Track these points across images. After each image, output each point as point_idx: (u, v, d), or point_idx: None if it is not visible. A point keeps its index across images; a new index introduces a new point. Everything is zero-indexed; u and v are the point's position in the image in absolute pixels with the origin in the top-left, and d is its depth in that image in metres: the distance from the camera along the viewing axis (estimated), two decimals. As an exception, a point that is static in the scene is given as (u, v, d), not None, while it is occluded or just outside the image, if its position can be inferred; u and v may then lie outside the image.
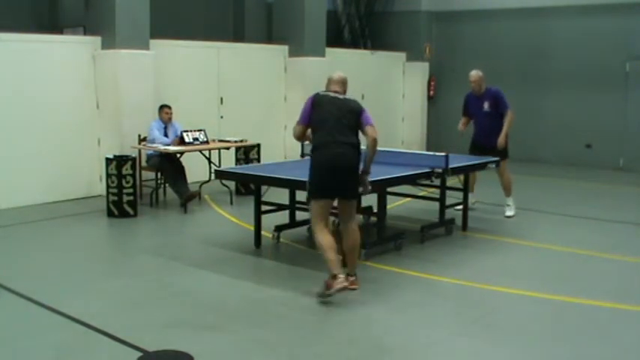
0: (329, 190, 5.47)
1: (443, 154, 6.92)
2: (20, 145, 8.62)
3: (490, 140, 8.25)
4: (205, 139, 8.93)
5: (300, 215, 7.35)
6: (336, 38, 13.78)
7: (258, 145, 9.74)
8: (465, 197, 7.73)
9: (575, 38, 12.98)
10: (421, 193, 8.55)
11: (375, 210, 6.89)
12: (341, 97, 5.64)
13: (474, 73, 8.47)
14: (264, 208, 6.89)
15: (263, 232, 6.93)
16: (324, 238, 5.37)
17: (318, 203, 5.45)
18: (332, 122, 5.46)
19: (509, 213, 8.40)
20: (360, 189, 5.58)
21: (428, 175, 6.82)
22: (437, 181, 7.18)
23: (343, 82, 5.80)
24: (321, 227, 5.44)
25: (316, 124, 5.53)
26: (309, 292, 5.54)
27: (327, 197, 5.47)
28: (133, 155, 8.50)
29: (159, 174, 8.88)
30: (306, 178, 6.18)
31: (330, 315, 5.12)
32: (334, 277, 5.25)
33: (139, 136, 9.06)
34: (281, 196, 7.09)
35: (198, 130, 8.93)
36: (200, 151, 8.95)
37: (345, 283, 5.27)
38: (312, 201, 5.50)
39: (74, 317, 4.89)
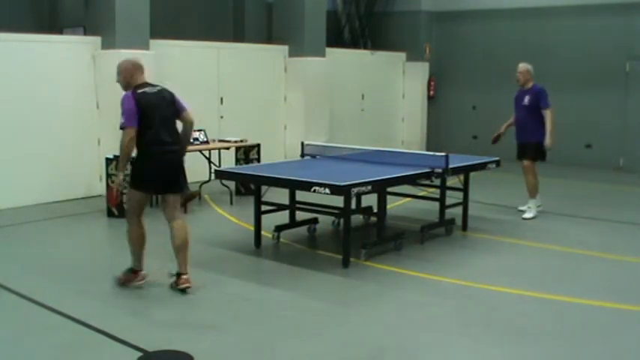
0: (153, 188, 5.63)
1: (443, 154, 6.92)
2: (20, 145, 8.61)
3: (524, 136, 8.39)
4: (205, 139, 8.93)
5: (300, 215, 7.35)
6: (336, 38, 13.78)
7: (258, 145, 9.74)
8: (466, 197, 7.72)
9: (575, 38, 12.97)
10: (421, 193, 8.55)
11: (375, 210, 6.89)
12: (156, 90, 5.50)
13: (522, 65, 8.50)
14: (264, 208, 6.89)
15: (263, 232, 6.93)
16: (135, 232, 5.54)
17: (139, 194, 5.52)
18: (157, 121, 5.38)
19: (527, 215, 8.35)
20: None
21: (428, 175, 6.82)
22: (437, 181, 7.17)
23: (142, 68, 5.63)
24: (135, 221, 5.56)
25: (144, 125, 5.38)
26: (310, 292, 5.55)
27: (149, 192, 5.64)
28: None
29: (159, 174, 8.86)
30: (306, 179, 6.20)
31: (330, 315, 5.12)
32: (135, 272, 5.57)
33: (139, 136, 9.05)
34: (281, 196, 7.09)
35: (198, 130, 8.92)
36: (200, 151, 8.95)
37: (142, 281, 5.57)
38: (135, 191, 5.55)
39: (74, 317, 4.89)
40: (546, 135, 8.29)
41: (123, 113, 5.37)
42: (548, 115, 8.32)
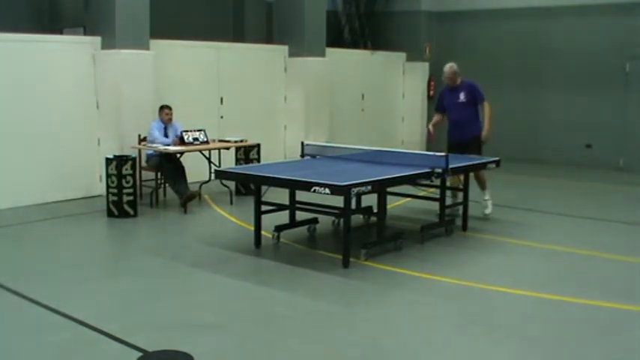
0: None
1: (443, 154, 6.92)
2: (20, 145, 8.61)
3: (465, 132, 8.26)
4: (205, 139, 8.93)
5: (300, 215, 7.35)
6: (336, 38, 13.78)
7: (258, 145, 9.74)
8: (465, 197, 7.72)
9: (575, 38, 12.98)
10: (421, 193, 8.55)
11: (375, 210, 6.89)
12: None
13: (447, 69, 8.43)
14: (264, 208, 6.89)
15: (263, 232, 6.93)
16: None
17: None
18: None
19: (488, 210, 8.31)
20: None
21: (428, 175, 6.82)
22: (437, 181, 7.17)
23: None
24: None
25: None
26: (309, 292, 5.55)
27: None
28: (133, 155, 8.50)
29: (159, 174, 8.88)
30: (306, 179, 6.21)
31: (330, 315, 5.12)
32: None
33: (139, 136, 9.06)
34: (281, 196, 7.09)
35: (198, 130, 8.93)
36: (200, 151, 8.96)
37: None
38: None
39: (74, 317, 4.89)
40: (484, 128, 8.21)
41: None
42: (485, 107, 8.26)
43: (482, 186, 8.38)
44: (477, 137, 8.26)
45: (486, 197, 8.34)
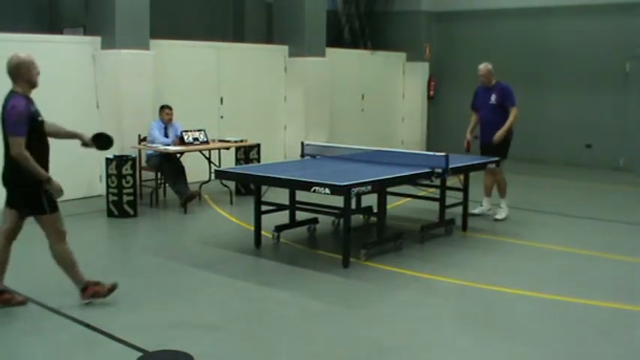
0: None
1: (443, 154, 6.92)
2: (20, 145, 8.60)
3: (491, 134, 8.22)
4: (205, 139, 8.94)
5: (300, 215, 7.35)
6: (336, 38, 13.78)
7: (258, 145, 9.74)
8: (466, 197, 7.72)
9: (575, 38, 12.97)
10: (421, 193, 8.55)
11: (375, 210, 6.89)
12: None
13: (483, 67, 8.42)
14: (264, 208, 6.90)
15: (263, 232, 6.93)
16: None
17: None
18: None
19: (499, 216, 8.27)
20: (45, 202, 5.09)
21: (428, 175, 6.82)
22: (437, 181, 7.17)
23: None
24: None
25: None
26: (309, 292, 5.56)
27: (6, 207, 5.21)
28: (133, 155, 8.50)
29: (159, 174, 8.88)
30: (306, 179, 6.21)
31: (330, 315, 5.12)
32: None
33: (139, 136, 9.06)
34: (281, 196, 7.10)
35: (198, 130, 8.93)
36: (200, 151, 8.96)
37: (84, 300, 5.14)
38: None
39: (74, 317, 4.89)
40: (501, 129, 8.11)
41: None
42: (511, 112, 8.19)
43: (502, 193, 8.37)
44: (502, 141, 8.17)
45: (502, 205, 8.35)
